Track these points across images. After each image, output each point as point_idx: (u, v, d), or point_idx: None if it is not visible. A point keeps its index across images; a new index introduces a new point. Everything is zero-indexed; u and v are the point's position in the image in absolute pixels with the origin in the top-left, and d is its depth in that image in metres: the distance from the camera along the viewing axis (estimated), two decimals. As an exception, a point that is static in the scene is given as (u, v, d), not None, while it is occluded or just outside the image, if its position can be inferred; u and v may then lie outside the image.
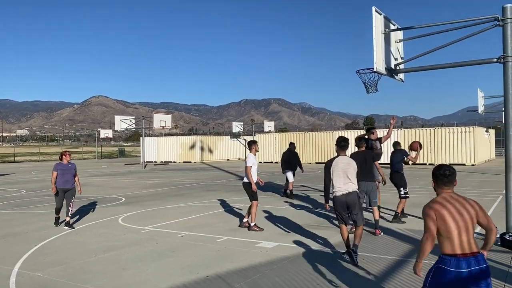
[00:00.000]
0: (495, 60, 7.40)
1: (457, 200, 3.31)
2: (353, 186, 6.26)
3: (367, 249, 6.94)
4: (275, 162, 35.52)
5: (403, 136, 31.18)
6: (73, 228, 9.25)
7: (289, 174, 13.72)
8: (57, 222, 9.55)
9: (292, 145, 14.46)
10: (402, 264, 6.09)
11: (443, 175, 3.38)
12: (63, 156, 9.59)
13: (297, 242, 7.53)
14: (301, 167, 14.30)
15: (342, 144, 6.37)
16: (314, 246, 7.25)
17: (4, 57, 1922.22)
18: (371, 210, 8.49)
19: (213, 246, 7.44)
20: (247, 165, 8.63)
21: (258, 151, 8.77)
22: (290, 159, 14.04)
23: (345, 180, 6.22)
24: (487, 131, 34.26)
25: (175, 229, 8.89)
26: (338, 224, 6.49)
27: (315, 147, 35.04)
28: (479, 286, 3.16)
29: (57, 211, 9.54)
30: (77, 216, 10.76)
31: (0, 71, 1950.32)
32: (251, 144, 8.84)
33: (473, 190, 14.78)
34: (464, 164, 28.94)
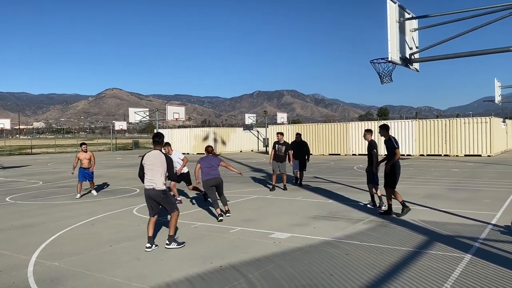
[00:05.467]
0: (512, 48, 7.24)
1: None
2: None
3: (381, 240, 6.91)
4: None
5: (417, 127, 30.85)
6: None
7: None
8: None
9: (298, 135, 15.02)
10: (416, 256, 6.04)
11: None
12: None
13: (310, 233, 7.53)
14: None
15: (155, 139, 7.00)
16: (327, 237, 7.24)
17: (21, 50, 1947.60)
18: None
19: (227, 236, 7.48)
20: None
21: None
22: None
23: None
24: (504, 122, 33.68)
25: (189, 220, 8.95)
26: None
27: (328, 138, 34.89)
28: None
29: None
30: (92, 207, 10.91)
31: (18, 64, 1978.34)
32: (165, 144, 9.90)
33: (489, 182, 14.57)
34: (480, 155, 28.56)
